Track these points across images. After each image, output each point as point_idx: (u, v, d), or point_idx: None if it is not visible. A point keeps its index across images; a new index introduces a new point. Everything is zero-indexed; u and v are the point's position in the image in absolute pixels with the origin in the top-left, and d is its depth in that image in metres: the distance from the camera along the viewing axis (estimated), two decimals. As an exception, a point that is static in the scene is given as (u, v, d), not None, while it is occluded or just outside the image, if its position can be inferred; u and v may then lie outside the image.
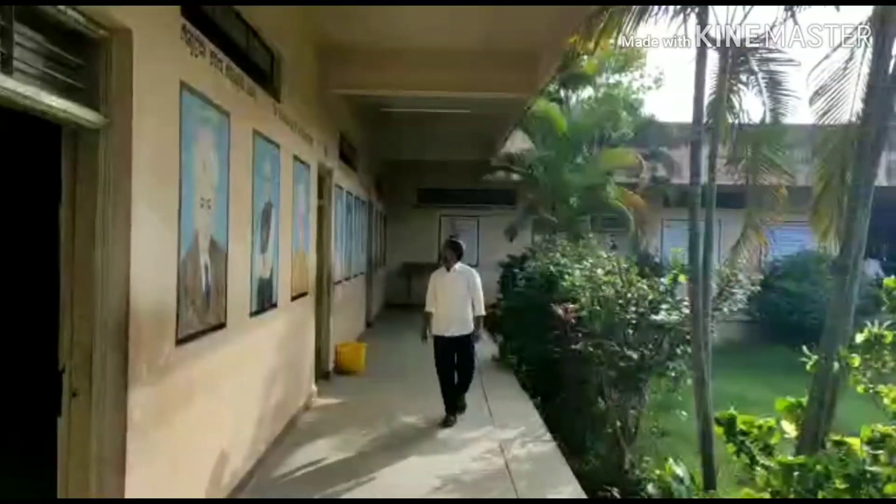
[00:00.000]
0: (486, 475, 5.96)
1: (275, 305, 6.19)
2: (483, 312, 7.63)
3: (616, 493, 6.76)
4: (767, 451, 4.15)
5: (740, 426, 4.24)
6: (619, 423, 7.51)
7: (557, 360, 8.71)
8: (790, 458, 3.65)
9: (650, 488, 6.81)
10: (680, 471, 6.71)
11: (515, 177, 16.52)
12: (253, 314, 5.52)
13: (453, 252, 7.71)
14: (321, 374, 9.20)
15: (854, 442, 3.96)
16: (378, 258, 17.39)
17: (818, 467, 3.47)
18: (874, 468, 3.38)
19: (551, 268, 9.82)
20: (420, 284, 20.10)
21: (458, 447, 6.71)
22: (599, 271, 7.42)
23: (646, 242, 14.85)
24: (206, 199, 4.31)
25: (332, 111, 9.43)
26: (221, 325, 4.67)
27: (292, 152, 6.81)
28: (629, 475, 7.31)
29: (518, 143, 15.97)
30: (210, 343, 4.47)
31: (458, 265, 7.66)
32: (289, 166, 6.67)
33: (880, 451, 3.89)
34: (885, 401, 4.08)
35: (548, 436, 7.20)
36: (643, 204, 13.98)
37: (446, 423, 7.43)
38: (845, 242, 3.99)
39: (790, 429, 4.34)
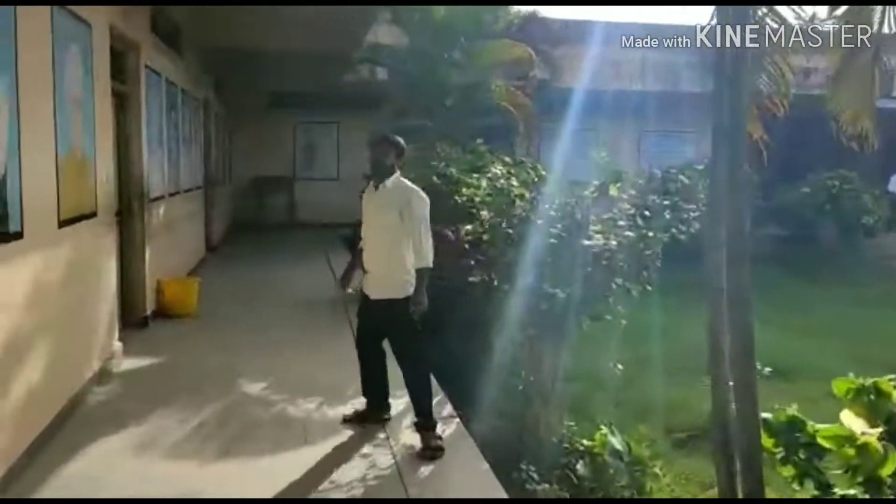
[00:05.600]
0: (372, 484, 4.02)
1: (19, 236, 3.86)
2: (429, 263, 4.50)
3: (533, 472, 5.17)
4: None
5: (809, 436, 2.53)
6: (531, 378, 5.85)
7: (445, 295, 6.87)
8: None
9: (580, 468, 5.22)
10: (616, 442, 5.26)
11: (382, 76, 14.23)
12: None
13: (384, 154, 4.53)
14: (134, 322, 6.92)
15: None
16: (221, 171, 14.77)
17: None
18: None
19: (435, 179, 7.80)
20: (274, 202, 18.04)
21: (323, 437, 4.63)
22: (514, 181, 5.51)
23: (534, 152, 13.10)
24: None
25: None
26: None
27: (46, -6, 4.33)
28: (547, 444, 5.70)
29: (386, 35, 13.59)
30: None
31: (393, 178, 4.55)
32: (39, 16, 4.22)
33: None
34: None
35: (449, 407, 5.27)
36: (531, 107, 12.14)
37: (359, 418, 4.81)
38: None
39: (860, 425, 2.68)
